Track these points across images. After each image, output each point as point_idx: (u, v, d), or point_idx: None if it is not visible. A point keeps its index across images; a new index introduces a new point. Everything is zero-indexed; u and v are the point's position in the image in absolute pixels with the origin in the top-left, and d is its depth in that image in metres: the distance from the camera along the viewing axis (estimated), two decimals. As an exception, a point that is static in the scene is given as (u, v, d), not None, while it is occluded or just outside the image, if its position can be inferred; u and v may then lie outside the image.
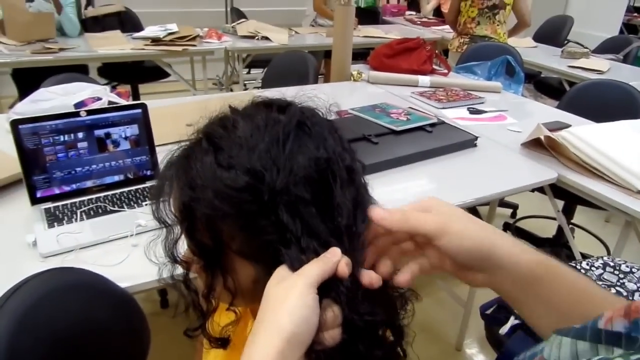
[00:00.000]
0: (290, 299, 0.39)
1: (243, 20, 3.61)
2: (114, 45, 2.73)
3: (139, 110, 1.24)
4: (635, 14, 5.47)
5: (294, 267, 0.41)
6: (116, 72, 3.30)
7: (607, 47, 3.66)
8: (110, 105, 1.29)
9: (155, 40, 2.81)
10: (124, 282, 0.92)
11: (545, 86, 3.59)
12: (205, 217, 0.43)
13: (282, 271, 0.42)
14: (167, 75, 3.24)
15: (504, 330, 1.15)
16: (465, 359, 1.93)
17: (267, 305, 0.40)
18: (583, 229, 2.62)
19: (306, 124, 0.45)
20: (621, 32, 4.95)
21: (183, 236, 0.49)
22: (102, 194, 1.20)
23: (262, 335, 0.38)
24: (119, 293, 0.89)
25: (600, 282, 1.18)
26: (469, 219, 0.46)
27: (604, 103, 2.25)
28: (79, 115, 1.16)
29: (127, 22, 3.36)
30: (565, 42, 4.17)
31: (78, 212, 1.12)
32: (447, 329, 2.04)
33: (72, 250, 1.01)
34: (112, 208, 1.15)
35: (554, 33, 4.20)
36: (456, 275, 0.47)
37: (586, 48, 3.53)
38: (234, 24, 3.47)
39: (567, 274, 0.48)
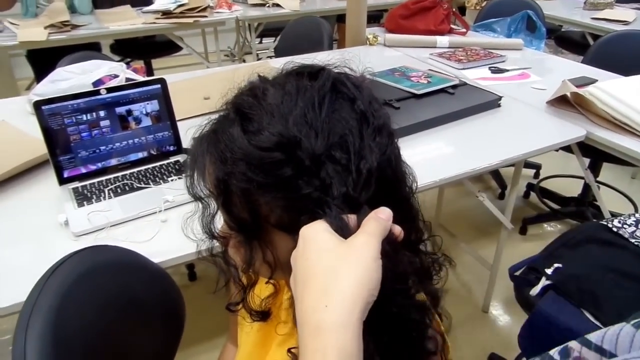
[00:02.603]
0: (363, 266, 0.35)
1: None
2: (125, 20, 2.70)
3: (158, 86, 1.23)
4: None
5: (339, 227, 0.39)
6: (129, 48, 3.27)
7: (631, -3, 3.49)
8: (129, 82, 1.28)
9: (166, 13, 2.78)
10: (156, 257, 0.94)
11: (567, 41, 3.46)
12: (241, 190, 0.42)
13: (324, 234, 0.38)
14: (179, 48, 3.21)
15: (534, 291, 1.14)
16: (492, 321, 1.94)
17: (331, 256, 0.36)
18: (609, 187, 2.57)
19: (340, 87, 0.44)
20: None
21: (219, 211, 0.49)
22: (127, 172, 1.20)
23: (336, 309, 0.34)
24: (153, 269, 0.90)
25: (633, 240, 1.17)
26: None
27: (631, 55, 2.16)
28: (100, 94, 1.16)
29: (136, -5, 3.30)
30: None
31: (105, 190, 1.13)
32: (473, 292, 2.05)
33: (103, 228, 1.02)
34: (138, 185, 1.16)
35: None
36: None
37: (610, -2, 3.37)
38: (244, -8, 3.39)
39: None
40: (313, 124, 0.41)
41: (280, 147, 0.40)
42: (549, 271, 1.14)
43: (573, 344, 0.41)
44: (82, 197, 1.11)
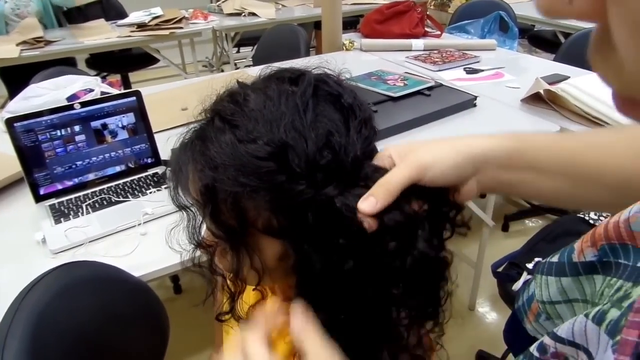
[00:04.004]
0: None
1: (227, -2, 3.52)
2: (100, 34, 2.68)
3: (133, 98, 1.22)
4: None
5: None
6: (104, 62, 3.25)
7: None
8: (104, 96, 1.27)
9: (141, 26, 2.76)
10: (137, 271, 0.93)
11: (540, 40, 3.54)
12: (230, 196, 0.42)
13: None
14: (156, 61, 3.19)
15: (517, 286, 1.15)
16: (479, 318, 1.96)
17: None
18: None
19: (323, 87, 0.45)
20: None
21: (204, 220, 0.48)
22: (105, 186, 1.19)
23: None
24: (134, 282, 0.89)
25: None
26: (430, 144, 0.45)
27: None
28: (74, 108, 1.15)
29: (110, 9, 3.29)
30: (557, -8, 4.08)
31: (83, 205, 1.11)
32: (459, 290, 2.07)
33: (81, 244, 1.01)
34: (116, 199, 1.14)
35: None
36: (459, 201, 0.46)
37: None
38: (218, 2, 3.39)
39: (542, 137, 0.47)
40: (302, 131, 0.41)
41: (274, 157, 0.40)
42: (529, 265, 1.16)
43: (547, 340, 0.42)
44: (59, 214, 1.09)
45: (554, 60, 2.27)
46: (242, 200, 0.42)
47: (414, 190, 0.42)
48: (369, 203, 0.40)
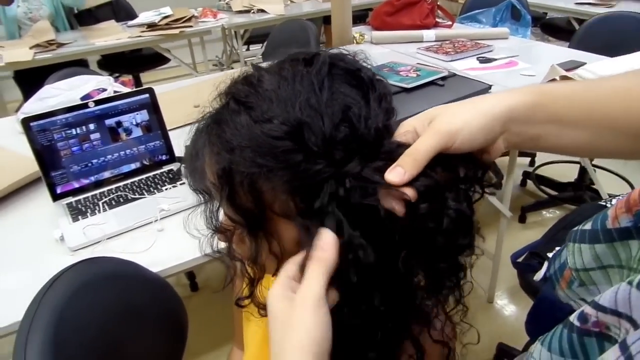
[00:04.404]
0: (304, 322, 0.38)
1: (236, -5, 3.52)
2: (111, 35, 2.70)
3: (147, 95, 1.22)
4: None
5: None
6: (116, 63, 3.27)
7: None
8: (117, 94, 1.27)
9: (151, 26, 2.77)
10: (155, 267, 0.93)
11: (553, 27, 3.48)
12: (247, 178, 0.41)
13: (273, 304, 0.41)
14: (166, 60, 3.21)
15: (538, 276, 1.13)
16: (498, 311, 1.93)
17: (278, 327, 0.39)
18: (604, 169, 2.57)
19: (340, 64, 0.44)
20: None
21: (221, 205, 0.48)
22: (121, 184, 1.19)
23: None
24: (152, 278, 0.89)
25: (633, 218, 1.16)
26: (452, 108, 0.43)
27: (617, 37, 2.17)
28: (88, 107, 1.15)
29: (120, 10, 3.31)
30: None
31: (100, 203, 1.12)
32: (477, 283, 2.04)
33: (99, 242, 1.01)
34: (133, 196, 1.15)
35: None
36: (487, 160, 0.45)
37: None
38: (227, 0, 3.39)
39: (563, 88, 0.46)
40: (318, 108, 0.40)
41: (290, 136, 0.39)
42: (551, 255, 1.13)
43: (588, 310, 0.40)
44: (77, 212, 1.09)
45: (569, 47, 2.23)
46: (259, 182, 0.41)
47: (440, 159, 0.41)
48: (397, 173, 0.39)
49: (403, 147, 0.41)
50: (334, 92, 0.42)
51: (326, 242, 0.40)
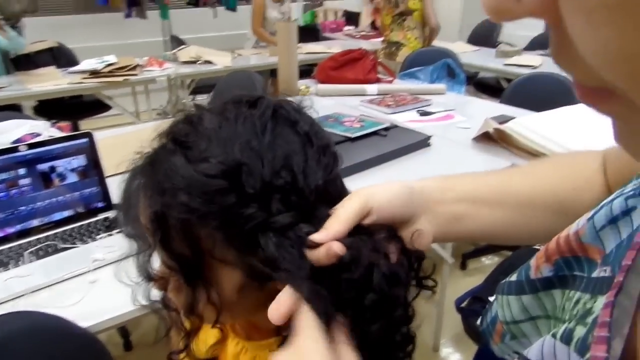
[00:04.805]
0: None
1: (183, 46, 3.56)
2: (49, 81, 2.61)
3: (85, 140, 1.17)
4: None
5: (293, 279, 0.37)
6: (53, 109, 3.15)
7: (535, 44, 3.87)
8: (53, 137, 1.22)
9: (94, 73, 2.72)
10: (85, 321, 0.86)
11: (484, 86, 3.75)
12: (180, 223, 0.39)
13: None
14: (108, 108, 3.13)
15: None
16: (443, 359, 1.93)
17: None
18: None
19: (281, 112, 0.43)
20: (546, 29, 5.26)
21: (156, 254, 0.45)
22: (51, 232, 1.12)
23: None
24: (80, 333, 0.82)
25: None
26: (383, 187, 0.45)
27: (541, 95, 2.36)
28: (18, 150, 1.09)
29: (61, 57, 3.23)
30: (497, 43, 4.38)
31: (25, 253, 1.03)
32: (422, 331, 2.04)
33: (22, 295, 0.93)
34: (63, 245, 1.07)
35: (486, 35, 4.41)
36: (417, 245, 0.45)
37: (517, 47, 3.72)
38: (174, 50, 3.41)
39: (469, 174, 0.50)
40: (257, 151, 0.39)
41: (225, 175, 0.38)
42: (493, 299, 1.16)
43: None
44: (-2, 263, 1.01)
45: (500, 103, 2.40)
46: (194, 227, 0.39)
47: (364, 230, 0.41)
48: (321, 233, 0.38)
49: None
50: (276, 137, 0.41)
51: (285, 302, 0.36)
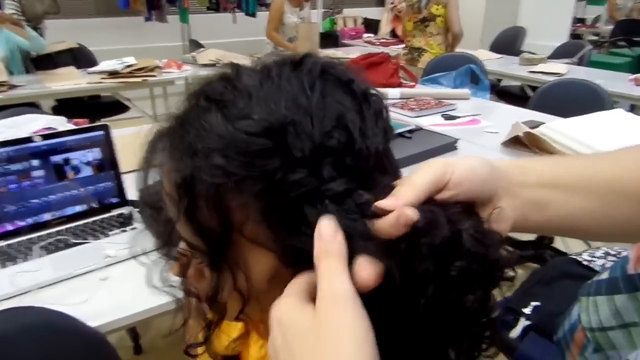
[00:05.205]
0: (344, 323, 0.28)
1: (203, 49, 3.54)
2: (69, 80, 2.60)
3: (101, 132, 1.13)
4: (579, 24, 5.76)
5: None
6: (72, 109, 3.13)
7: (560, 54, 3.78)
8: (68, 129, 1.18)
9: (113, 74, 2.71)
10: (94, 320, 0.81)
11: (507, 94, 3.66)
12: (212, 190, 0.33)
13: (292, 314, 0.31)
14: (126, 109, 3.12)
15: (515, 333, 1.07)
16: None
17: (302, 345, 0.29)
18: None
19: (331, 71, 0.37)
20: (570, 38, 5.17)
21: (178, 225, 0.38)
22: (63, 227, 1.07)
23: None
24: (88, 333, 0.77)
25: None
26: (463, 160, 0.38)
27: (570, 101, 2.28)
28: (33, 141, 1.05)
29: (81, 58, 3.23)
30: (520, 52, 4.30)
31: (34, 248, 0.99)
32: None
33: (29, 291, 0.88)
34: (75, 241, 1.02)
35: (508, 44, 4.33)
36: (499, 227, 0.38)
37: (542, 55, 3.64)
38: (193, 53, 3.40)
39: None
40: (306, 108, 0.34)
41: (269, 133, 0.32)
42: (527, 310, 1.08)
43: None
44: (6, 257, 0.96)
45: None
46: (227, 196, 0.33)
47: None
48: (390, 199, 0.32)
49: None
50: (327, 96, 0.35)
51: (328, 234, 0.31)
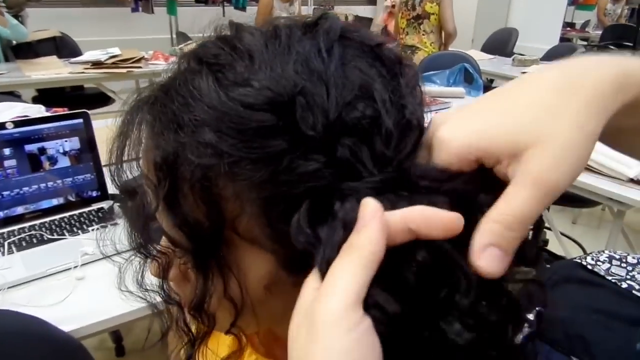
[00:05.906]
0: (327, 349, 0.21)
1: (190, 42, 3.45)
2: (49, 70, 2.50)
3: (80, 120, 1.05)
4: (569, 29, 5.80)
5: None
6: (53, 99, 3.02)
7: (552, 56, 3.77)
8: (44, 116, 1.10)
9: (97, 64, 2.61)
10: (68, 324, 0.74)
11: (499, 95, 3.64)
12: (199, 173, 0.26)
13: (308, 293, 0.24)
14: (110, 102, 3.02)
15: (517, 340, 1.02)
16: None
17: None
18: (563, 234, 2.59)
19: (352, 35, 0.30)
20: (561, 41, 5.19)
21: (158, 215, 0.31)
22: (37, 222, 0.99)
23: None
24: (62, 338, 0.69)
25: (610, 277, 1.09)
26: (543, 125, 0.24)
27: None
28: (5, 128, 0.97)
29: (63, 48, 3.12)
30: (512, 54, 4.29)
31: (6, 243, 0.91)
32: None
33: (-2, 291, 0.80)
34: (49, 237, 0.95)
35: (500, 45, 4.31)
36: None
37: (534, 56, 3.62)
38: (181, 45, 3.31)
39: None
40: (321, 74, 0.27)
41: (273, 106, 0.26)
42: (529, 316, 1.03)
43: None
44: (-27, 253, 0.88)
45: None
46: (217, 182, 0.27)
47: None
48: (493, 259, 0.23)
49: (456, 178, 0.25)
50: (346, 64, 0.28)
51: (369, 213, 0.23)
